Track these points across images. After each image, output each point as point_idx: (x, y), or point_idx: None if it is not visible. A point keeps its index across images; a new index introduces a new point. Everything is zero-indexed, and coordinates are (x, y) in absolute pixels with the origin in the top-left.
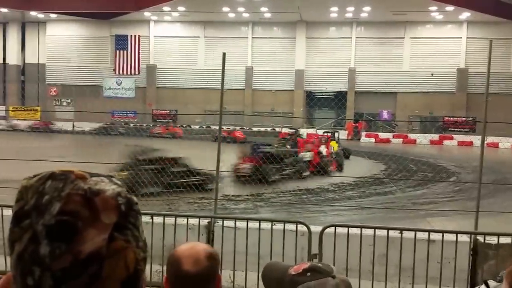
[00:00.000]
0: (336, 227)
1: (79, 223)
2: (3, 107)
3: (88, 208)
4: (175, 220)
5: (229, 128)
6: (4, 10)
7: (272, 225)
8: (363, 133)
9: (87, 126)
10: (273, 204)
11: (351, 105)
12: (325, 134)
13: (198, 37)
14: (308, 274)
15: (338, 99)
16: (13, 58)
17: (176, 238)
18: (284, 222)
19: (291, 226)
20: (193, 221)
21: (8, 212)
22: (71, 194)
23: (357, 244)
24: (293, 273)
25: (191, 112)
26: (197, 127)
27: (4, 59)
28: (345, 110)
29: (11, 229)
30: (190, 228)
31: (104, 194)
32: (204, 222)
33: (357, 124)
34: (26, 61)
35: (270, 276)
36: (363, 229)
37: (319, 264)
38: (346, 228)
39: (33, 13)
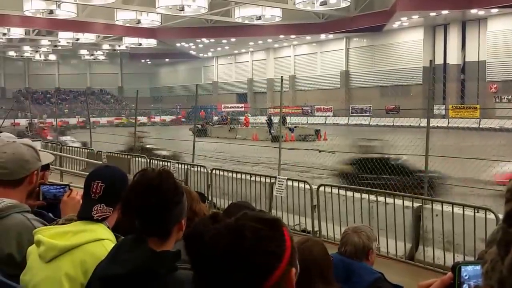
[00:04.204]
0: None
1: None
2: (442, 106)
3: None
4: None
5: None
6: (445, 11)
7: None
8: None
9: None
10: None
11: None
12: None
13: None
14: None
15: None
16: (453, 58)
17: None
18: None
19: None
20: None
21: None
22: None
23: None
24: None
25: None
26: None
27: (445, 59)
28: None
29: (505, 229)
30: None
31: None
32: None
33: None
34: (466, 60)
35: None
36: None
37: None
38: None
39: (473, 11)
